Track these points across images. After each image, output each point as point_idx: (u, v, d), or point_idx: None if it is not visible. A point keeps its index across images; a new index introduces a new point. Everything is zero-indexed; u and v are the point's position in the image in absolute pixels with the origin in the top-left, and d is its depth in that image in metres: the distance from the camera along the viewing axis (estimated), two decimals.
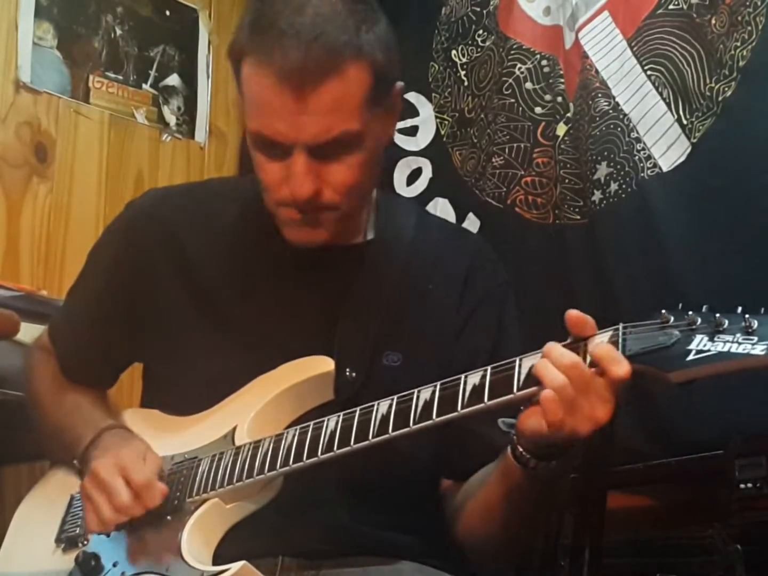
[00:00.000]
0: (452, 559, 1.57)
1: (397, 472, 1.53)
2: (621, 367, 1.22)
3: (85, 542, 1.54)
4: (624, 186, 2.32)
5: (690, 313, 1.18)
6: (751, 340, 1.13)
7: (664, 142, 2.28)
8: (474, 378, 1.31)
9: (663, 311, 1.21)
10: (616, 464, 1.88)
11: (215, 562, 1.43)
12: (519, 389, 1.27)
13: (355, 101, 1.43)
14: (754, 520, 1.97)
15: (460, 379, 1.32)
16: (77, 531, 1.57)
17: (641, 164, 2.30)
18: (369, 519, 1.51)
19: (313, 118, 1.40)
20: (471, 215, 2.62)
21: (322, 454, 1.38)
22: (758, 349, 1.12)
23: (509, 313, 1.67)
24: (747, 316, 1.15)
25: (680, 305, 1.20)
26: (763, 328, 1.13)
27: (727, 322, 1.15)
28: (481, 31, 2.72)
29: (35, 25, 2.76)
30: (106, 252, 1.70)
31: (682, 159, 2.26)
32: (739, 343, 1.13)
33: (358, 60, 1.42)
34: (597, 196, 2.36)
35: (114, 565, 1.48)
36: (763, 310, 1.15)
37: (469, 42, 2.74)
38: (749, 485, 1.97)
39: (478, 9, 2.73)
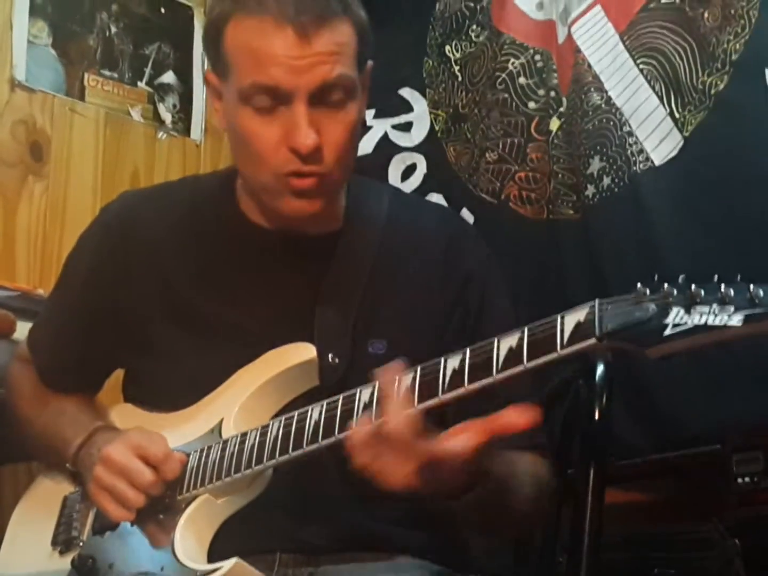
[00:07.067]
0: (452, 553, 1.56)
1: None
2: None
3: (81, 544, 1.55)
4: (617, 180, 2.32)
5: (666, 285, 1.15)
6: (728, 310, 1.10)
7: (657, 136, 2.28)
8: (454, 362, 1.28)
9: (638, 285, 1.17)
10: (614, 459, 1.88)
11: (213, 558, 1.42)
12: (498, 372, 1.24)
13: (351, 50, 1.46)
14: (751, 514, 1.98)
15: (440, 363, 1.29)
16: (72, 533, 1.57)
17: (633, 158, 2.30)
18: (368, 514, 1.50)
19: (316, 59, 1.41)
20: (465, 211, 2.62)
21: (307, 445, 1.37)
22: (735, 320, 1.09)
23: (492, 288, 1.64)
24: (723, 285, 1.12)
25: (656, 276, 1.17)
26: (739, 296, 1.10)
27: (702, 292, 1.12)
28: (474, 27, 2.72)
29: (30, 24, 2.75)
30: (83, 259, 1.68)
31: (675, 153, 2.26)
32: (716, 314, 1.10)
33: (346, 16, 1.45)
34: (590, 190, 2.36)
35: (110, 566, 1.48)
36: (739, 277, 1.13)
37: (463, 37, 2.75)
38: (746, 479, 1.98)
39: (472, 4, 2.73)
